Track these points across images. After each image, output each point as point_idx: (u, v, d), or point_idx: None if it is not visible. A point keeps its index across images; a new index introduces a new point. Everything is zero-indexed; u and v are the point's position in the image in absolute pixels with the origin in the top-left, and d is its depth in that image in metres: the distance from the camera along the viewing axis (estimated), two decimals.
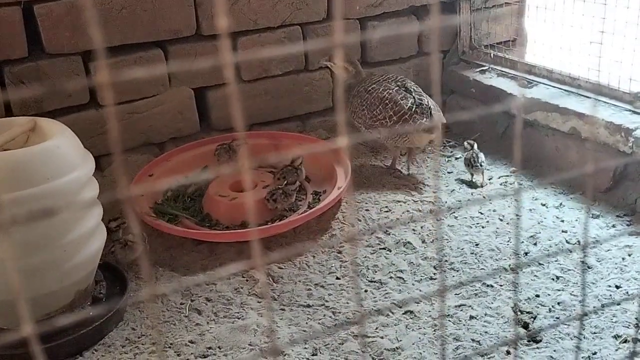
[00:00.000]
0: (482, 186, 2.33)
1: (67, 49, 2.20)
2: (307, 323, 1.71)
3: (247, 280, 1.88)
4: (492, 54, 2.66)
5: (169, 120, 2.43)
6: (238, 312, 1.75)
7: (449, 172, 2.45)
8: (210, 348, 1.64)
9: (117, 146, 0.45)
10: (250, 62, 2.48)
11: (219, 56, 0.49)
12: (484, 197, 2.26)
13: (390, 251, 1.98)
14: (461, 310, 1.71)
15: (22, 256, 1.50)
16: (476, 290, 1.78)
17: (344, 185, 2.16)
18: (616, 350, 1.55)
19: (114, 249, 1.90)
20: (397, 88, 2.30)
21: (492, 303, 1.73)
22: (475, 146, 2.36)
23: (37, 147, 1.55)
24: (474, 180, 2.35)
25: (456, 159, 2.54)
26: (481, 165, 2.31)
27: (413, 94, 2.28)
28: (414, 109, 2.24)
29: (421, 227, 2.06)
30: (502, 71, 2.59)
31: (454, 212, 2.14)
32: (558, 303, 1.72)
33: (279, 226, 2.05)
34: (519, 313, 1.69)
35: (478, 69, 2.66)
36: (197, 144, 2.42)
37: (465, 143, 2.39)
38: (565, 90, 2.33)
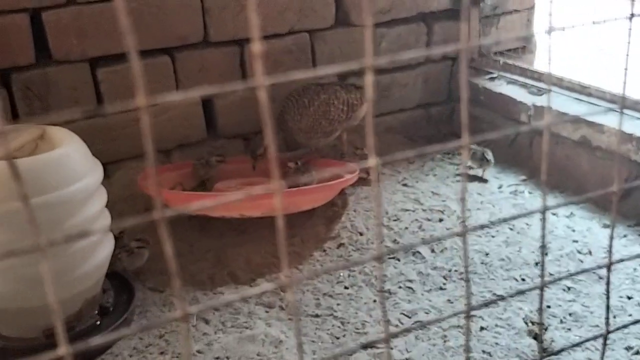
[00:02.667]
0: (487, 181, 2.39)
1: (74, 56, 2.20)
2: (315, 333, 1.69)
3: (251, 289, 1.87)
4: (501, 61, 2.65)
5: (176, 127, 2.42)
6: (246, 322, 1.74)
7: (457, 181, 2.43)
8: (218, 358, 1.62)
9: (151, 158, 0.44)
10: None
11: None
12: (493, 206, 2.24)
13: (399, 260, 1.96)
14: (471, 321, 1.69)
15: (28, 265, 1.49)
16: (486, 300, 1.76)
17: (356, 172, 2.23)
18: None
19: (120, 256, 1.89)
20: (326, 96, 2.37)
21: (502, 314, 1.71)
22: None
23: (45, 156, 1.54)
24: (483, 176, 2.39)
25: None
26: (492, 160, 2.38)
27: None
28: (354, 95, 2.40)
29: (430, 236, 2.05)
30: (512, 78, 2.57)
31: (465, 221, 2.12)
32: (569, 314, 1.70)
33: (315, 189, 2.08)
34: (530, 324, 1.67)
35: (487, 77, 2.65)
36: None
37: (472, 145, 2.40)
38: (575, 98, 2.32)
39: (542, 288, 0.68)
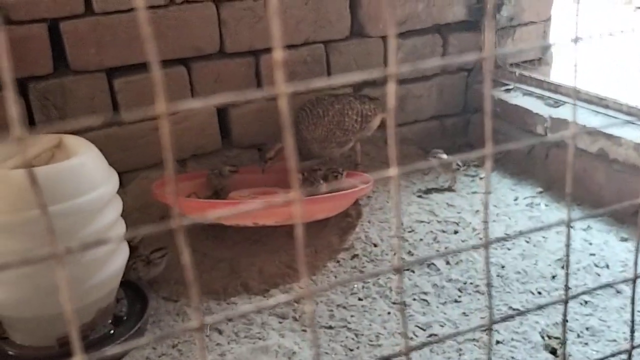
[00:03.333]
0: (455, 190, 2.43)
1: (92, 66, 2.21)
2: (328, 345, 1.68)
3: (268, 300, 1.86)
4: (517, 73, 2.64)
5: (191, 137, 2.43)
6: (259, 333, 1.73)
7: (473, 192, 2.42)
8: None
9: (171, 166, 0.43)
10: (273, 78, 2.47)
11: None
12: (509, 218, 2.22)
13: (414, 272, 1.95)
14: (487, 334, 1.67)
15: (43, 273, 1.49)
16: (502, 314, 1.74)
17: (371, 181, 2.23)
18: None
19: (135, 266, 1.89)
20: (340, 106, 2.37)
21: (519, 327, 1.69)
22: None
23: (62, 165, 1.54)
24: (453, 186, 2.43)
25: (480, 178, 2.50)
26: (460, 168, 2.47)
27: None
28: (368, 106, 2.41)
29: (445, 248, 2.03)
30: (528, 90, 2.56)
31: (480, 233, 2.10)
32: (587, 328, 1.67)
33: (330, 197, 2.08)
34: (546, 338, 1.65)
35: (503, 88, 2.63)
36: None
37: (453, 158, 2.47)
38: (592, 110, 2.30)
39: (566, 302, 0.67)
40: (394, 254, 2.04)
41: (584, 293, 0.84)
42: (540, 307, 0.67)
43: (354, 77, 0.50)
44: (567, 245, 0.65)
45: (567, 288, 0.70)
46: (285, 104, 0.42)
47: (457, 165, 2.46)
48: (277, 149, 2.29)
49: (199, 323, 0.45)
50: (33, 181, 0.42)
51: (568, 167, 0.59)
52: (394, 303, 1.82)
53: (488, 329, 0.62)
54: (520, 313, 0.74)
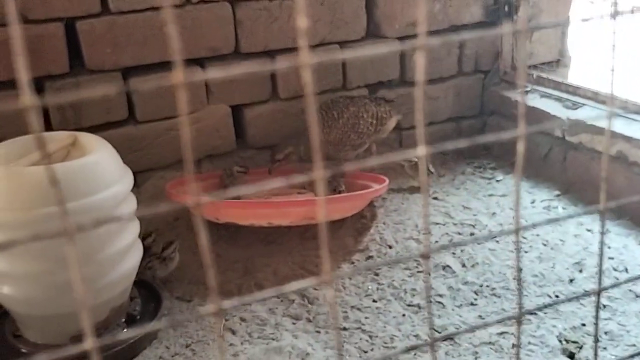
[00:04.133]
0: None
1: (107, 66, 2.22)
2: (343, 346, 1.66)
3: (281, 301, 1.85)
4: (534, 75, 2.61)
5: (206, 137, 2.42)
6: (272, 333, 1.72)
7: (489, 195, 2.39)
8: None
9: (190, 165, 0.42)
10: (288, 79, 2.47)
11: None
12: (526, 221, 2.19)
13: (429, 274, 1.93)
14: (503, 337, 1.65)
15: (57, 272, 1.49)
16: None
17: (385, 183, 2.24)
18: None
19: (151, 265, 1.90)
20: (355, 109, 2.36)
21: (535, 331, 1.66)
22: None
23: (76, 162, 1.54)
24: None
25: (497, 181, 2.48)
26: (433, 172, 2.51)
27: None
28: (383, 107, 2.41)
29: (461, 251, 2.01)
30: (545, 92, 2.53)
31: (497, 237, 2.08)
32: (605, 333, 1.65)
33: (353, 197, 2.10)
34: (564, 342, 1.62)
35: (520, 90, 2.61)
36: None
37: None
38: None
39: (598, 294, 0.65)
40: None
41: (616, 285, 0.82)
42: (574, 298, 0.65)
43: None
44: (601, 253, 0.63)
45: (599, 282, 0.68)
46: (309, 75, 0.41)
47: (430, 171, 2.49)
48: (287, 152, 2.27)
49: (215, 308, 0.44)
50: (53, 179, 0.42)
51: (602, 173, 0.58)
52: (408, 305, 1.80)
53: (518, 320, 0.60)
54: (554, 303, 0.72)
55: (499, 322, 0.59)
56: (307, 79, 0.41)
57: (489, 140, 0.51)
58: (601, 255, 0.64)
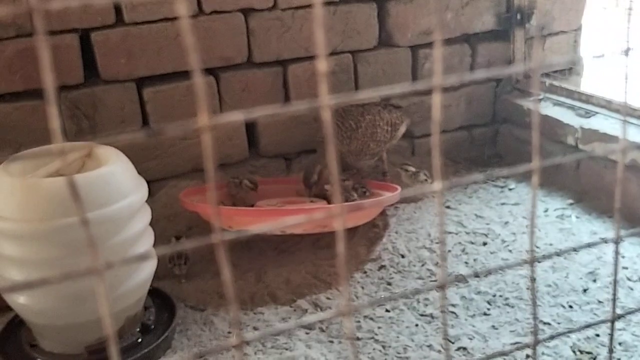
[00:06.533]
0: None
1: (122, 76, 2.24)
2: (356, 357, 1.67)
3: (294, 310, 1.85)
4: (547, 83, 2.60)
5: (219, 146, 2.44)
6: (286, 343, 1.72)
7: (502, 204, 2.39)
8: None
9: (212, 175, 0.43)
10: (300, 87, 2.48)
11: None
12: (539, 230, 2.19)
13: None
14: (518, 349, 1.64)
15: (72, 282, 1.50)
16: (532, 327, 1.71)
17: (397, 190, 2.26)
18: None
19: (174, 269, 1.98)
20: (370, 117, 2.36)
21: (549, 342, 1.65)
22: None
23: (92, 173, 1.56)
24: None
25: (509, 189, 2.48)
26: (429, 180, 2.49)
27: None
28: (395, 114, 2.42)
29: (474, 260, 2.01)
30: (558, 100, 2.53)
31: (509, 245, 2.08)
32: (619, 343, 1.64)
33: (364, 204, 2.11)
34: (578, 353, 1.62)
35: (533, 98, 2.60)
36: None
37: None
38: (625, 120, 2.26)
39: (612, 321, 0.65)
40: (422, 265, 2.02)
41: (631, 312, 0.82)
42: (589, 325, 0.66)
43: (402, 88, 0.49)
44: (616, 263, 0.63)
45: (614, 307, 0.68)
46: (329, 115, 0.42)
47: (425, 175, 2.47)
48: (318, 171, 2.25)
49: (238, 340, 0.44)
50: (73, 190, 0.43)
51: (618, 181, 0.58)
52: (421, 315, 1.80)
53: (533, 347, 0.60)
54: (568, 332, 0.72)
55: (515, 349, 0.60)
56: (327, 119, 0.42)
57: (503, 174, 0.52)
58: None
